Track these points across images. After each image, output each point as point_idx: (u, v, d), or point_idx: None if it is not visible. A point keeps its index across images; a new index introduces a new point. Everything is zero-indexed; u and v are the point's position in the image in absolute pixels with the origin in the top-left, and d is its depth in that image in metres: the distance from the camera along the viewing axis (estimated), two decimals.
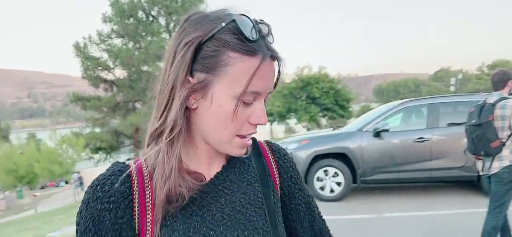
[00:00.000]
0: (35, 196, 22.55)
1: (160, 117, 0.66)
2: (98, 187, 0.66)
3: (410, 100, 6.64)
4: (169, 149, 0.66)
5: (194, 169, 0.71)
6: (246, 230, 0.70)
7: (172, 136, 0.65)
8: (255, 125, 0.67)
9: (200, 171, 0.71)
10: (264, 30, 0.64)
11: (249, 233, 0.70)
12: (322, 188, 6.16)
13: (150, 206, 0.67)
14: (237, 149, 0.68)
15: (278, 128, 41.33)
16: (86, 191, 0.68)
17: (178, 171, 0.66)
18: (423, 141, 5.90)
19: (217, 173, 0.73)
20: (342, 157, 6.15)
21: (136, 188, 0.67)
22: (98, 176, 0.68)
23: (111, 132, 20.74)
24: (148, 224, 0.66)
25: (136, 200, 0.66)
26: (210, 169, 0.73)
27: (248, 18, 0.63)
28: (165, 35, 22.30)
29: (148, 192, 0.68)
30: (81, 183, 23.95)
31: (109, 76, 22.09)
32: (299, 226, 0.83)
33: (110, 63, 21.69)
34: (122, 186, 0.66)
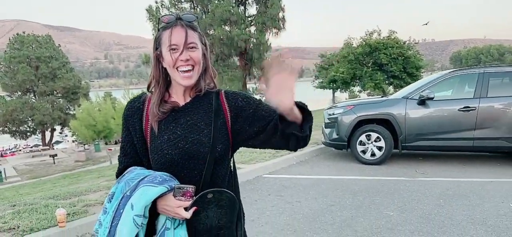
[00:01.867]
0: (110, 150, 25.05)
1: (151, 74, 1.32)
2: (130, 103, 1.34)
3: (460, 69, 6.60)
4: (156, 89, 1.30)
5: (174, 99, 1.31)
6: (198, 135, 1.25)
7: (154, 83, 1.31)
8: (183, 61, 1.22)
9: (177, 100, 1.31)
10: (183, 16, 1.24)
11: (199, 138, 1.24)
12: (363, 152, 6.50)
13: None
14: (181, 79, 1.24)
15: (341, 96, 40.67)
16: (127, 103, 1.36)
17: (161, 100, 1.28)
18: (468, 110, 5.94)
19: (186, 102, 1.31)
20: (385, 123, 6.40)
21: (145, 105, 1.31)
22: (132, 98, 1.37)
23: None
24: (149, 124, 1.29)
25: (144, 112, 1.30)
26: (183, 100, 1.31)
27: (168, 14, 1.26)
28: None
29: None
30: None
31: None
32: (248, 123, 1.28)
33: None
34: (139, 104, 1.32)
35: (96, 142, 26.85)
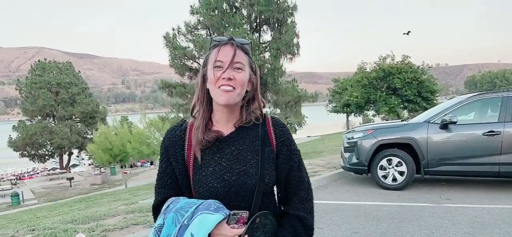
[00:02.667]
0: (126, 173, 25.23)
1: (196, 95, 1.27)
2: (170, 132, 1.29)
3: (483, 93, 6.49)
4: (199, 112, 1.25)
5: (217, 128, 1.25)
6: (245, 166, 1.20)
7: (198, 105, 1.26)
8: (225, 80, 1.16)
9: (220, 129, 1.25)
10: (236, 39, 1.20)
11: (247, 169, 1.20)
12: (384, 177, 6.37)
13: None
14: (219, 97, 1.17)
15: (355, 120, 40.43)
16: (166, 132, 1.30)
17: (205, 127, 1.23)
18: (493, 134, 5.79)
19: (231, 132, 1.25)
20: (406, 147, 6.28)
21: (187, 134, 1.26)
22: (172, 125, 1.31)
23: None
24: (191, 153, 1.24)
25: (186, 141, 1.25)
26: (227, 129, 1.25)
27: (222, 36, 1.22)
28: (246, 26, 23.27)
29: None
30: None
31: (194, 65, 23.69)
32: (280, 172, 1.26)
33: (195, 53, 23.27)
34: (180, 133, 1.27)
35: (112, 166, 27.11)
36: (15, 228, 5.56)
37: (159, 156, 1.36)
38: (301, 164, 1.31)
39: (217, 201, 1.13)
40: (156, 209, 1.25)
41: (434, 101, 29.90)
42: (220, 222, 1.08)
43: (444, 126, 6.07)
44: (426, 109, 28.49)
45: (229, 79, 1.15)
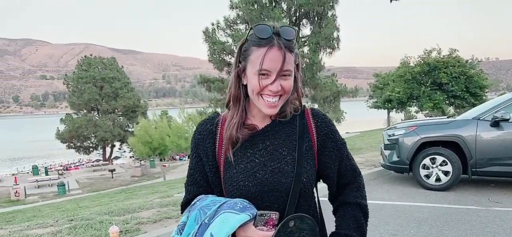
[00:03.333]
0: (164, 166, 25.82)
1: (229, 92, 1.14)
2: (201, 125, 1.18)
3: None
4: (235, 109, 1.13)
5: (251, 122, 1.14)
6: (279, 163, 1.08)
7: (233, 101, 1.13)
8: (272, 92, 1.03)
9: (255, 123, 1.13)
10: (282, 31, 1.03)
11: (281, 166, 1.07)
12: (427, 176, 6.00)
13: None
14: (264, 108, 1.06)
15: (397, 117, 39.09)
16: (197, 125, 1.20)
17: (239, 123, 1.11)
18: None
19: (266, 125, 1.13)
20: (452, 145, 5.89)
21: (219, 128, 1.15)
22: (204, 118, 1.20)
23: None
24: (223, 150, 1.13)
25: (218, 136, 1.14)
26: (262, 123, 1.14)
27: (264, 24, 1.04)
28: (285, 20, 23.03)
29: (226, 132, 1.14)
30: None
31: (233, 60, 23.76)
32: (330, 167, 1.15)
33: (234, 48, 23.35)
34: (212, 127, 1.16)
35: (152, 159, 27.82)
36: (56, 217, 5.76)
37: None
38: (349, 153, 1.22)
39: (245, 200, 1.02)
40: (185, 207, 1.16)
41: (483, 97, 28.30)
42: (246, 223, 0.97)
43: (495, 123, 5.62)
44: (474, 105, 27.03)
45: (277, 91, 1.03)
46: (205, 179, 1.14)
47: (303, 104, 1.19)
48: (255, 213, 0.98)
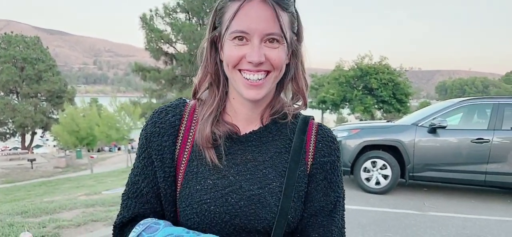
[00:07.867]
0: (92, 157, 24.21)
1: (201, 69, 0.78)
2: (157, 113, 0.79)
3: (474, 98, 6.26)
4: (210, 95, 0.78)
5: (231, 121, 0.79)
6: (261, 189, 0.74)
7: (209, 83, 0.78)
8: (251, 63, 0.70)
9: (237, 124, 0.78)
10: None
11: (263, 194, 0.74)
12: (368, 179, 6.06)
13: (192, 137, 0.77)
14: (243, 89, 0.73)
15: (330, 118, 40.66)
16: (150, 114, 0.80)
17: (216, 115, 0.76)
18: (482, 142, 5.57)
19: (252, 131, 0.79)
20: (392, 150, 5.99)
21: (185, 121, 0.78)
22: (162, 105, 0.81)
23: None
24: (186, 152, 0.76)
25: (181, 131, 0.77)
26: (246, 126, 0.79)
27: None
28: None
29: (194, 127, 0.78)
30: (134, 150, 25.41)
31: (170, 50, 22.89)
32: (307, 208, 0.79)
33: (172, 37, 22.49)
34: (173, 117, 0.78)
35: (78, 149, 25.96)
36: None
37: (136, 146, 0.87)
38: (338, 209, 0.82)
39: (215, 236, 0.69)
40: (120, 231, 0.78)
41: (408, 104, 30.43)
42: None
43: (433, 130, 5.81)
44: (399, 111, 28.97)
45: (260, 63, 0.70)
46: (154, 192, 0.77)
47: (309, 115, 0.86)
48: None
